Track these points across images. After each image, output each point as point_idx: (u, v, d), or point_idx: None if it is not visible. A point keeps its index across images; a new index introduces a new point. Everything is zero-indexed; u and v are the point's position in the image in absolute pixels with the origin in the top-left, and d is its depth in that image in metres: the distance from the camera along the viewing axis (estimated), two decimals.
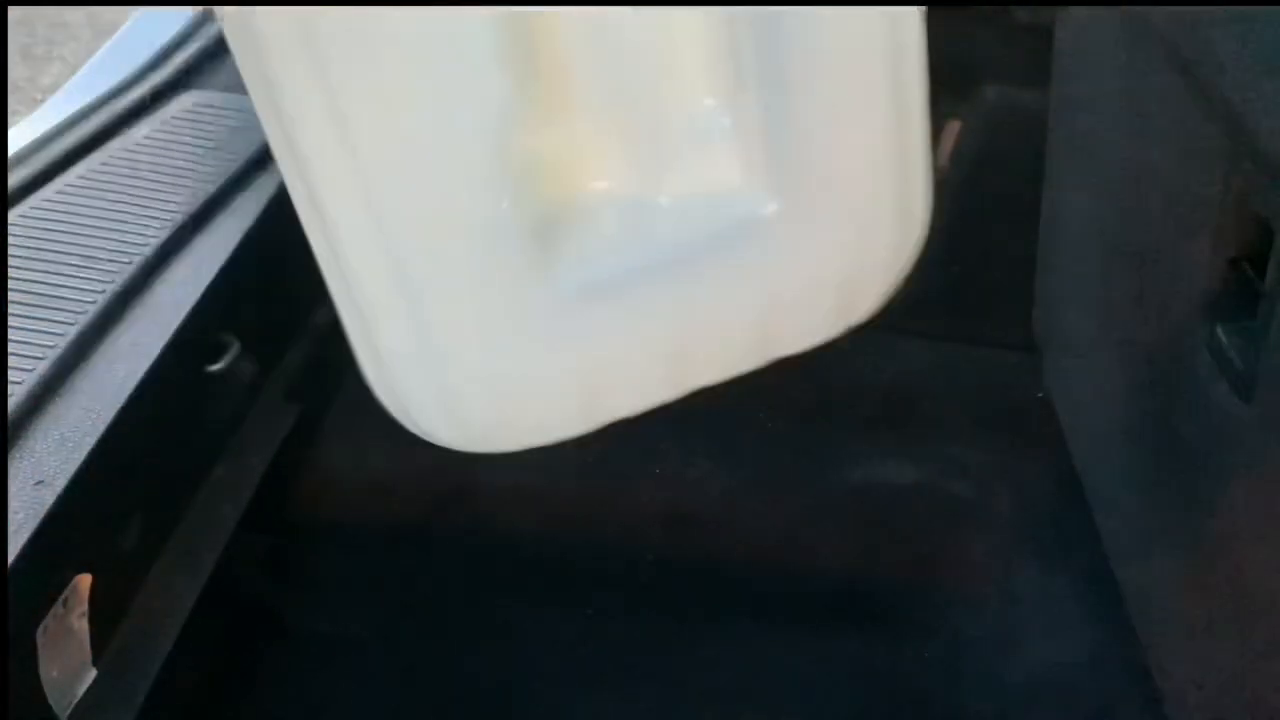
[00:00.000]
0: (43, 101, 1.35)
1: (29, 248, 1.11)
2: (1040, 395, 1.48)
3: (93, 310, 1.05)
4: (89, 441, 0.95)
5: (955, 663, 1.34)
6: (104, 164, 1.26)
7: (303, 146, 0.81)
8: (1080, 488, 1.32)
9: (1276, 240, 0.87)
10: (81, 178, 1.23)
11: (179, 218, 1.20)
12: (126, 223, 1.17)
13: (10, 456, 0.92)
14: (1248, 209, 0.92)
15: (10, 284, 1.05)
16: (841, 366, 1.55)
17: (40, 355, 0.99)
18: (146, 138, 1.32)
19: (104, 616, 1.01)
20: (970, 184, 1.49)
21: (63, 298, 1.06)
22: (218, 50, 1.40)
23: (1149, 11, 1.10)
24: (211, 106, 1.38)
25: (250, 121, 1.36)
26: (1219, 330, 0.97)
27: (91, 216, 1.17)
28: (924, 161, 0.92)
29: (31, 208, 1.17)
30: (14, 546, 0.86)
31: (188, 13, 1.41)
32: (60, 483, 0.91)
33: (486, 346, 0.88)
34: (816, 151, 0.88)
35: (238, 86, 1.37)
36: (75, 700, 0.97)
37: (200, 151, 1.31)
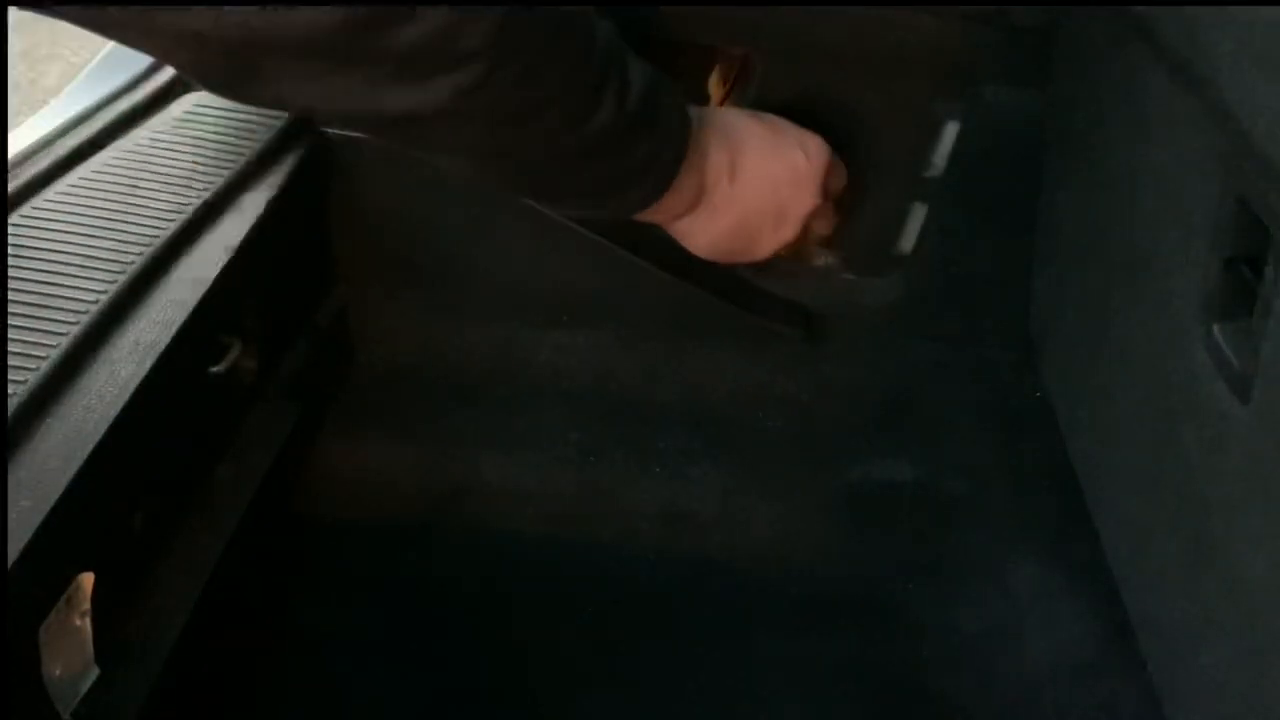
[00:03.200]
0: (46, 103, 1.36)
1: (31, 249, 1.11)
2: (1038, 395, 1.48)
3: (94, 311, 1.06)
4: (91, 441, 0.95)
5: (953, 661, 1.34)
6: (106, 165, 1.26)
7: None
8: (1078, 487, 1.32)
9: (1274, 241, 0.88)
10: (84, 179, 1.23)
11: (181, 219, 1.20)
12: (128, 224, 1.18)
13: (12, 456, 0.92)
14: (1245, 209, 0.92)
15: (12, 285, 1.05)
16: (841, 366, 1.56)
17: (43, 355, 0.99)
18: (148, 139, 1.32)
19: (106, 615, 1.01)
20: (970, 184, 1.49)
21: (64, 299, 1.06)
22: None
23: (1148, 12, 1.10)
24: (213, 108, 1.39)
25: (251, 123, 1.37)
26: (1216, 330, 0.97)
27: (93, 218, 1.17)
28: None
29: (33, 209, 1.17)
30: (16, 545, 0.86)
31: None
32: (63, 482, 0.91)
33: None
34: None
35: None
36: (78, 699, 0.98)
37: (202, 153, 1.31)
